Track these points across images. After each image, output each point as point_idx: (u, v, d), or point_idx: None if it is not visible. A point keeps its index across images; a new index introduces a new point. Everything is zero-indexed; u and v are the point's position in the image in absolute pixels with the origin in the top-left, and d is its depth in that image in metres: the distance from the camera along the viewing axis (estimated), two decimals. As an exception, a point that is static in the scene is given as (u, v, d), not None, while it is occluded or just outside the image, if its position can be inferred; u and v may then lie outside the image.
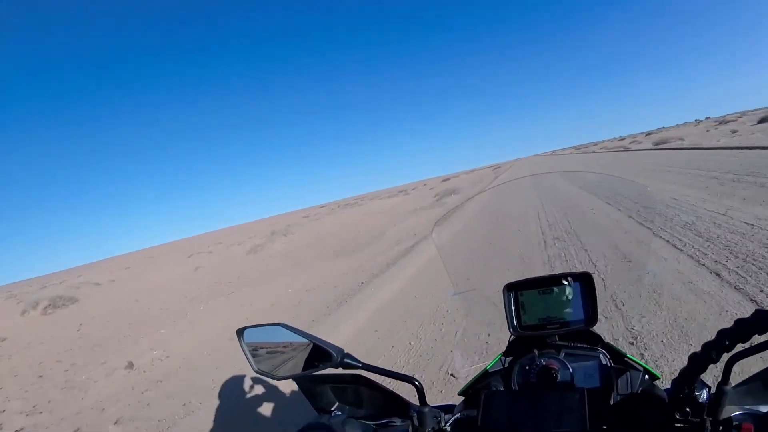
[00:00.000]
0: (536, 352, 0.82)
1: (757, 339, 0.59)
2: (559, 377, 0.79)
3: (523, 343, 0.86)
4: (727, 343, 0.58)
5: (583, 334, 0.84)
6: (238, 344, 0.83)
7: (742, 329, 0.56)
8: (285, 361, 0.81)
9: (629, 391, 0.80)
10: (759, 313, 0.56)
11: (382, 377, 0.78)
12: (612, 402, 0.77)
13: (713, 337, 0.61)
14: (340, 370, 0.78)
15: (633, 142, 54.12)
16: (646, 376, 0.81)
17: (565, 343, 0.83)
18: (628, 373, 0.81)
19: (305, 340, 0.79)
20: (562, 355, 0.82)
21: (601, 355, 0.81)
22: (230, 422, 2.88)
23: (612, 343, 0.85)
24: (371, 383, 0.82)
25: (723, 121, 45.69)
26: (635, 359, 0.82)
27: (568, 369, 0.80)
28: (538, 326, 0.83)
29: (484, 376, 0.86)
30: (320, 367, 0.77)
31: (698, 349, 0.60)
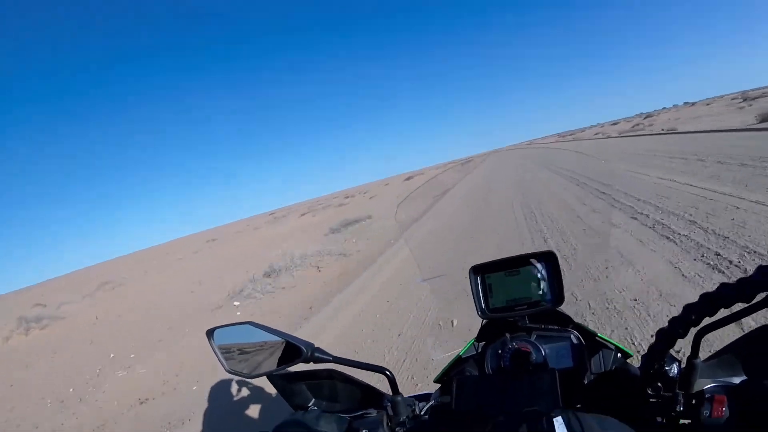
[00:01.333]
0: (508, 336, 0.82)
1: (723, 312, 0.58)
2: (532, 359, 0.79)
3: (494, 328, 0.86)
4: (693, 317, 0.58)
5: (553, 316, 0.84)
6: (209, 345, 0.82)
7: (707, 303, 0.56)
8: (256, 359, 0.81)
9: (602, 369, 0.80)
10: (724, 287, 0.56)
11: (356, 369, 0.78)
12: (585, 381, 0.77)
13: (680, 312, 0.61)
14: (311, 365, 0.78)
15: (637, 125, 39.14)
16: (619, 355, 0.82)
17: (536, 326, 0.83)
18: (601, 352, 0.82)
19: (275, 338, 0.78)
20: (533, 338, 0.82)
21: (572, 336, 0.81)
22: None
23: (582, 323, 0.85)
24: (344, 377, 0.82)
25: (748, 98, 34.33)
26: (607, 338, 0.82)
27: (541, 351, 0.80)
28: (506, 308, 0.83)
29: (458, 362, 0.86)
30: (291, 363, 0.77)
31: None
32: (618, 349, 0.82)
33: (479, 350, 0.86)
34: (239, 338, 0.82)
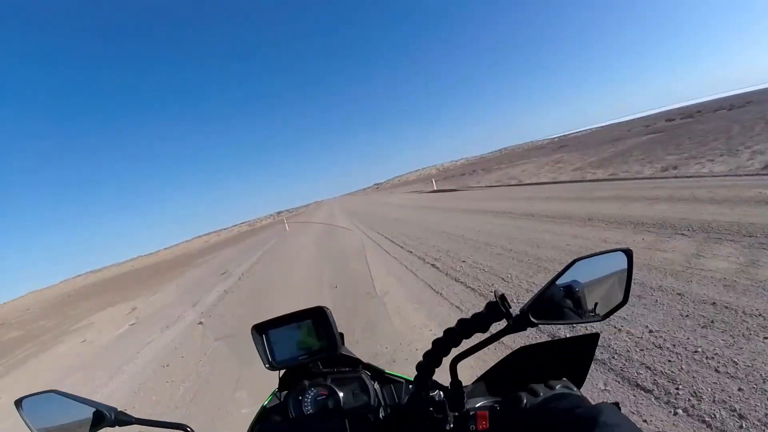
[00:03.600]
0: (306, 382, 0.89)
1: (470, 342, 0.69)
2: (329, 402, 0.86)
3: (293, 377, 0.92)
4: (441, 349, 0.69)
5: (344, 360, 0.92)
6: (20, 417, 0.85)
7: (450, 336, 0.68)
8: (67, 428, 0.83)
9: (396, 402, 0.87)
10: (461, 322, 0.67)
11: (160, 429, 0.82)
12: (381, 415, 0.83)
13: (430, 347, 0.71)
14: (116, 429, 0.82)
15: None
16: (410, 386, 0.89)
17: (330, 370, 0.91)
18: (392, 386, 0.89)
19: (81, 404, 0.82)
20: (329, 381, 0.88)
21: (363, 375, 0.89)
22: None
23: (371, 363, 0.93)
24: None
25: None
26: (395, 373, 0.91)
27: (337, 393, 0.88)
28: (290, 359, 0.90)
29: (263, 413, 0.91)
30: (97, 429, 0.81)
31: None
32: (408, 382, 0.90)
33: (281, 399, 0.91)
34: (48, 407, 0.85)
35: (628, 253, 0.70)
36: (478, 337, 0.68)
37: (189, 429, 0.81)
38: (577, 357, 0.77)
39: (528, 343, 1.00)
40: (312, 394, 0.88)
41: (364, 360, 0.94)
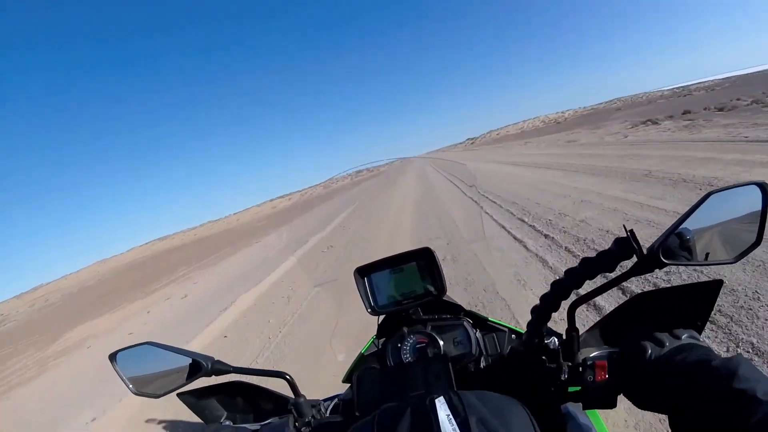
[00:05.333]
0: (405, 329, 0.86)
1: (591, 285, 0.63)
2: (429, 349, 0.84)
3: (392, 323, 0.90)
4: (561, 292, 0.63)
5: (445, 306, 0.89)
6: (114, 370, 0.83)
7: (572, 277, 0.61)
8: (161, 378, 0.81)
9: (498, 351, 0.85)
10: (585, 260, 0.61)
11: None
12: (482, 364, 0.81)
13: (548, 289, 0.66)
14: (213, 379, 0.80)
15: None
16: (513, 336, 0.87)
17: (430, 317, 0.88)
18: (494, 335, 0.87)
19: (176, 355, 0.80)
20: (429, 329, 0.86)
21: (465, 323, 0.86)
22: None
23: (474, 310, 0.90)
24: (248, 386, 0.84)
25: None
26: (497, 321, 0.88)
27: (437, 340, 0.84)
28: (393, 304, 0.87)
29: (361, 360, 0.89)
30: (193, 378, 0.78)
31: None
32: (511, 331, 0.88)
33: (380, 346, 0.89)
34: (142, 359, 0.83)
35: (764, 188, 0.65)
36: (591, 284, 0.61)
37: (288, 376, 0.79)
38: (697, 305, 0.71)
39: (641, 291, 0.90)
40: (411, 341, 0.85)
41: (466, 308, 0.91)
